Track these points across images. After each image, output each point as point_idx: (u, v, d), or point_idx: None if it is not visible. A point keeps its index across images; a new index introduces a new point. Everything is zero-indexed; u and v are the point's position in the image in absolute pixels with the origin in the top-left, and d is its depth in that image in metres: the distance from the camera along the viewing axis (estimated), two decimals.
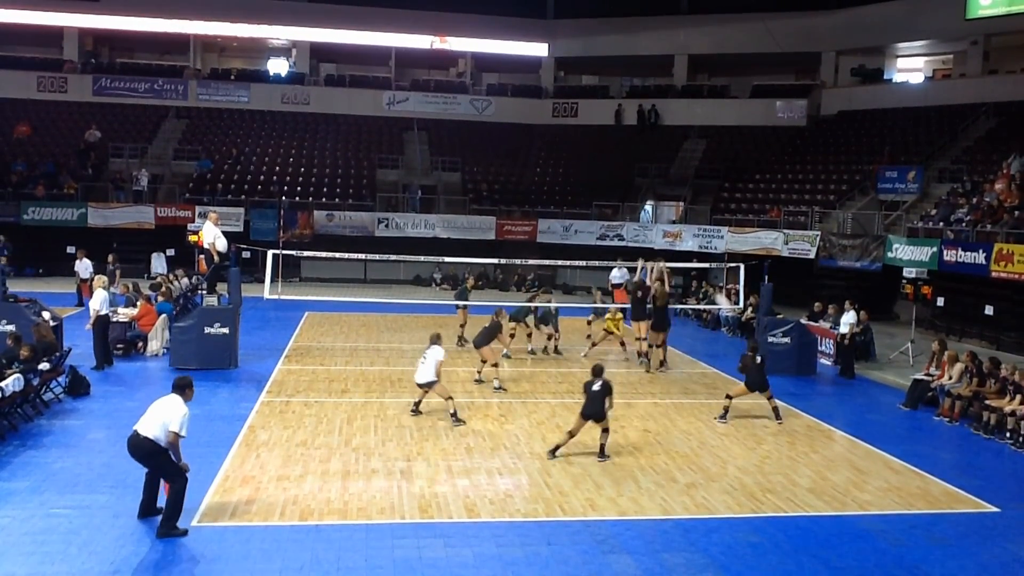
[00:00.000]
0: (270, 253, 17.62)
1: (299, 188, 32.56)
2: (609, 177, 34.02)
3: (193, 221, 28.84)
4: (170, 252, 28.99)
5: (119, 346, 16.75)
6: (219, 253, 17.16)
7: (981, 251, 20.76)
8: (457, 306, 19.75)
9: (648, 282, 18.22)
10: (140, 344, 17.28)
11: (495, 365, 15.55)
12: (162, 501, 8.67)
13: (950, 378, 15.03)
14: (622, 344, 19.00)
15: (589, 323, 20.77)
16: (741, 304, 21.53)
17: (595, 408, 11.36)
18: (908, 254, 23.02)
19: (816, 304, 20.87)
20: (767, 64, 36.92)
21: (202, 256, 18.00)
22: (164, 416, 8.51)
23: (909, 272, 20.73)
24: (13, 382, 11.43)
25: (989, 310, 21.37)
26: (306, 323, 22.04)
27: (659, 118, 36.48)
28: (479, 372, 15.80)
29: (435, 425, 12.80)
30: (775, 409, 13.89)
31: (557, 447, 11.53)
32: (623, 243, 30.22)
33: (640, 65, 39.11)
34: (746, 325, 21.88)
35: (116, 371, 15.59)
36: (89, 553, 8.02)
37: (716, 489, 10.49)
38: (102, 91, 35.94)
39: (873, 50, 34.95)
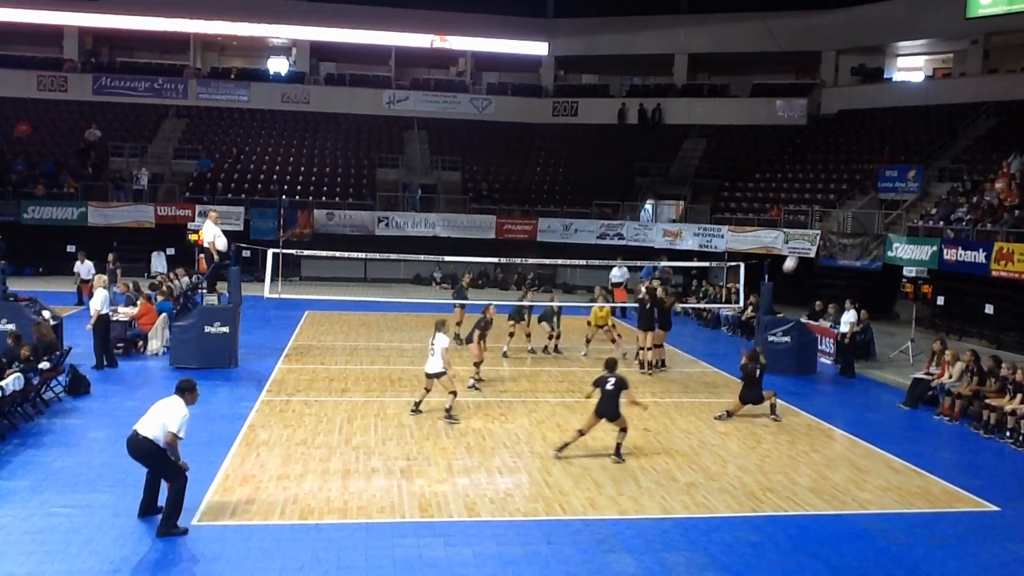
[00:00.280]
0: (270, 252, 17.59)
1: (299, 187, 32.57)
2: (609, 176, 34.03)
3: (193, 220, 28.85)
4: (170, 251, 29.00)
5: (119, 345, 16.75)
6: (219, 252, 17.15)
7: (981, 250, 20.76)
8: (454, 304, 19.75)
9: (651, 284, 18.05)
10: (140, 343, 17.29)
11: (477, 364, 15.49)
12: (163, 500, 8.67)
13: (950, 377, 15.03)
14: (613, 341, 18.95)
15: (589, 324, 20.70)
16: (741, 303, 21.53)
17: (609, 407, 11.21)
18: (908, 253, 23.03)
19: (816, 303, 20.88)
20: (767, 63, 36.93)
21: (202, 255, 17.99)
22: (164, 417, 8.52)
23: (909, 271, 20.73)
24: (13, 381, 11.43)
25: (989, 309, 21.36)
26: (306, 322, 22.05)
27: (662, 117, 36.50)
28: (478, 373, 15.73)
29: (435, 424, 12.80)
30: (772, 406, 13.92)
31: (565, 445, 11.45)
32: (623, 242, 30.24)
33: (640, 64, 39.12)
34: (746, 324, 21.88)
35: (116, 370, 15.59)
36: (89, 552, 8.02)
37: (716, 488, 10.49)
38: (102, 90, 35.95)
39: (873, 49, 34.96)
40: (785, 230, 26.98)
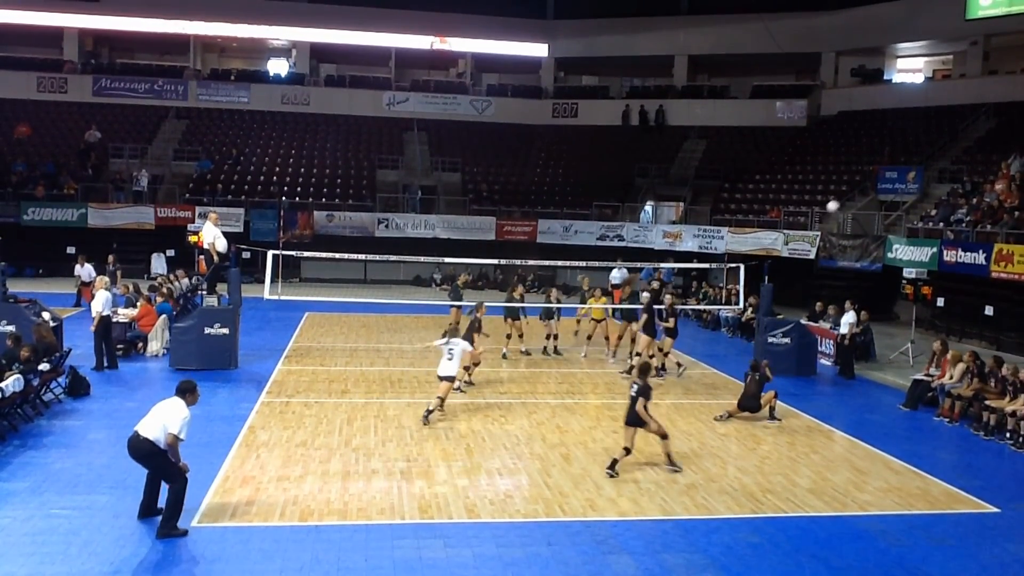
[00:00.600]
0: (270, 253, 17.62)
1: (299, 188, 32.59)
2: (609, 177, 34.06)
3: (193, 221, 28.87)
4: (170, 252, 28.98)
5: (119, 346, 16.73)
6: (219, 253, 17.15)
7: (981, 251, 20.77)
8: (450, 305, 19.68)
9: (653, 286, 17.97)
10: (140, 344, 17.29)
11: (466, 368, 15.25)
12: (163, 501, 8.67)
13: (951, 378, 15.03)
14: (607, 339, 18.91)
15: (588, 320, 20.65)
16: (741, 305, 21.53)
17: (631, 414, 10.97)
18: (908, 254, 23.03)
19: (816, 304, 20.87)
20: (767, 64, 36.96)
21: (202, 256, 17.99)
22: (165, 418, 8.52)
23: (909, 272, 20.74)
24: (13, 383, 11.43)
25: (989, 310, 21.35)
26: (306, 323, 22.05)
27: (665, 119, 36.51)
28: (469, 376, 15.65)
29: (435, 426, 12.80)
30: (772, 409, 13.92)
31: (615, 462, 10.87)
32: (623, 243, 30.26)
33: (640, 66, 39.14)
34: (746, 326, 21.88)
35: (116, 372, 15.58)
36: (89, 554, 8.02)
37: (716, 489, 10.49)
38: (102, 91, 35.98)
39: (873, 50, 34.99)
40: (785, 231, 26.98)
